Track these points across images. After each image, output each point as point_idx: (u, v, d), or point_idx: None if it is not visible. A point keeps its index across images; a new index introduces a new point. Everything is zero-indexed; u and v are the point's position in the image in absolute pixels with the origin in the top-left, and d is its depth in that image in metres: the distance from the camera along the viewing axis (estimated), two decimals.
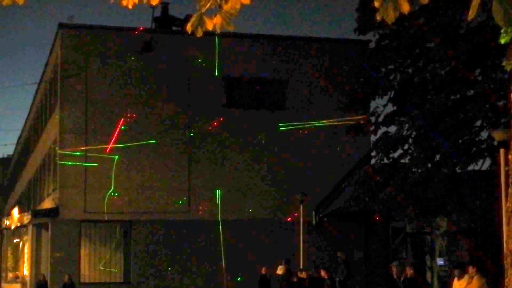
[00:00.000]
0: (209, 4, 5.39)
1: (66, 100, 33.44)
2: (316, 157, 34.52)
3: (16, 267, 50.76)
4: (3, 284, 49.59)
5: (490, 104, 25.27)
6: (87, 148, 33.03)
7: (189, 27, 5.51)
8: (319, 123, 34.63)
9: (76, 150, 32.97)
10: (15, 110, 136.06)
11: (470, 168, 26.84)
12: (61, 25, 34.13)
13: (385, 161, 28.56)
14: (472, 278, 19.02)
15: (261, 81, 35.40)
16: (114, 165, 33.17)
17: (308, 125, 34.64)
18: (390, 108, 28.84)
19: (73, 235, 33.09)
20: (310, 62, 35.58)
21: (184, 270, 33.54)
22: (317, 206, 33.48)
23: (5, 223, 44.06)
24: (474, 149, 26.46)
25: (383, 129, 28.99)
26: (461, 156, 26.20)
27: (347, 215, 32.25)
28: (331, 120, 34.68)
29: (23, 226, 40.04)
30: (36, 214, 35.52)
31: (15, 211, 41.98)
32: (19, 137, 59.64)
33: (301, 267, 28.96)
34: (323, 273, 26.42)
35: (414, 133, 27.90)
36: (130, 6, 5.93)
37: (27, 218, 36.89)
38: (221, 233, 33.30)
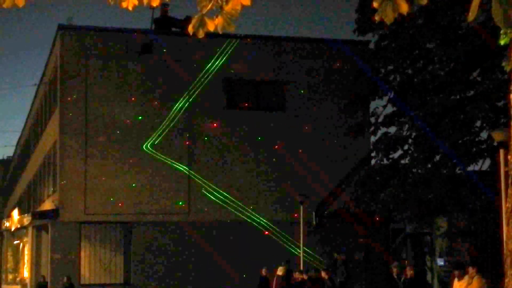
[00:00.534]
0: (210, 5, 5.40)
1: (66, 102, 33.43)
2: (316, 158, 34.51)
3: (16, 268, 50.73)
4: (3, 286, 49.55)
5: (489, 105, 25.30)
6: (87, 149, 33.03)
7: (190, 29, 5.52)
8: (319, 124, 34.68)
9: (76, 152, 32.97)
10: (15, 112, 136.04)
11: (470, 168, 26.87)
12: (60, 27, 34.13)
13: (385, 161, 28.59)
14: (472, 278, 19.02)
15: (261, 82, 35.39)
16: (115, 167, 33.21)
17: (308, 126, 34.68)
18: (390, 108, 28.89)
19: (73, 236, 33.08)
20: (310, 63, 35.57)
21: (184, 271, 33.52)
22: (317, 207, 33.48)
23: (5, 225, 44.01)
24: (474, 149, 26.48)
25: (383, 129, 29.04)
26: (461, 156, 26.22)
27: (347, 216, 32.26)
28: (331, 121, 34.71)
29: (23, 227, 39.97)
30: (36, 215, 35.48)
31: (15, 213, 41.94)
32: (19, 139, 59.65)
33: (301, 268, 28.95)
34: (323, 273, 26.40)
35: (414, 133, 27.93)
36: (130, 8, 5.94)
37: (27, 219, 36.87)
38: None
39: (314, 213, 33.33)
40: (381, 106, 29.50)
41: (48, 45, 37.09)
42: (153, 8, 33.22)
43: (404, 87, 27.93)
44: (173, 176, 33.82)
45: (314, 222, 33.46)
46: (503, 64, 9.29)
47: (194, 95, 34.28)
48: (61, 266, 32.48)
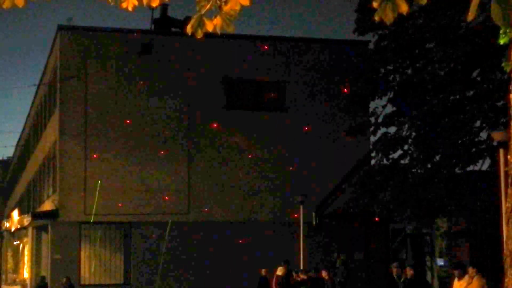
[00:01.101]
0: (209, 6, 5.40)
1: (65, 102, 33.43)
2: (316, 158, 34.52)
3: (16, 269, 50.74)
4: (4, 286, 49.56)
5: (489, 105, 25.29)
6: (86, 150, 33.04)
7: (189, 29, 5.52)
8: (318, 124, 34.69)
9: (76, 152, 32.98)
10: (15, 112, 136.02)
11: (470, 168, 26.87)
12: (60, 27, 34.12)
13: (385, 162, 28.58)
14: (472, 278, 19.01)
15: (261, 82, 35.38)
16: (114, 167, 33.22)
17: (308, 126, 34.71)
18: (389, 108, 28.88)
19: (73, 237, 33.08)
20: (310, 63, 35.57)
21: (185, 271, 33.52)
22: (317, 207, 33.48)
23: (5, 225, 44.03)
24: (474, 149, 26.48)
25: (382, 129, 29.03)
26: (460, 156, 26.21)
27: (347, 216, 32.25)
28: (331, 121, 34.73)
29: (23, 228, 39.98)
30: (36, 216, 35.48)
31: (15, 213, 41.95)
32: (19, 139, 59.64)
33: (301, 268, 28.95)
34: (323, 273, 26.41)
35: (413, 133, 27.92)
36: (130, 8, 5.94)
37: (27, 220, 36.86)
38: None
39: (314, 213, 33.33)
40: (380, 106, 29.51)
41: (48, 45, 37.11)
42: (152, 9, 33.22)
43: (404, 87, 27.93)
44: (173, 177, 33.81)
45: (314, 222, 33.46)
46: (503, 64, 9.28)
47: (194, 95, 34.27)
48: (61, 267, 32.47)
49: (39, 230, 38.37)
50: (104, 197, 32.91)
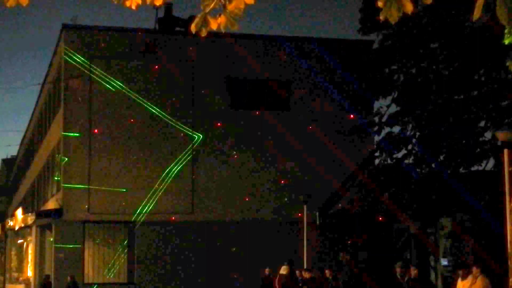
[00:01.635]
0: (213, 4, 5.39)
1: (69, 101, 33.46)
2: (320, 157, 34.49)
3: (20, 268, 50.76)
4: (7, 285, 49.60)
5: (493, 105, 25.26)
6: (90, 148, 33.07)
7: (193, 28, 5.51)
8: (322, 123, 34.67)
9: (80, 151, 33.00)
10: (19, 111, 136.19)
11: (474, 168, 26.83)
12: (64, 26, 34.15)
13: (389, 161, 28.56)
14: (476, 278, 18.99)
15: (265, 82, 35.37)
16: (118, 166, 33.25)
17: (312, 125, 34.70)
18: (393, 108, 28.84)
19: (77, 235, 33.11)
20: (314, 63, 35.56)
21: (188, 271, 33.53)
22: (321, 206, 33.46)
23: (9, 224, 44.06)
24: (478, 149, 26.44)
25: (386, 129, 29.00)
26: (465, 156, 26.19)
27: (351, 215, 32.22)
28: (335, 120, 34.71)
29: (27, 226, 40.02)
30: (40, 214, 35.52)
31: (19, 212, 41.98)
32: (23, 138, 59.71)
33: (304, 267, 28.94)
34: (328, 273, 26.38)
35: (418, 133, 27.90)
36: (133, 7, 5.94)
37: (31, 218, 36.91)
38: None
39: (317, 213, 33.32)
40: (385, 105, 29.47)
41: (52, 44, 37.16)
42: (156, 8, 33.21)
43: (408, 87, 27.89)
44: (176, 176, 33.82)
45: (318, 222, 33.45)
46: (507, 63, 9.27)
47: (198, 94, 34.28)
48: (65, 265, 32.51)
49: (43, 228, 38.38)
50: (108, 196, 32.94)
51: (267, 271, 28.94)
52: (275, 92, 35.56)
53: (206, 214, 33.87)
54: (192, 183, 34.03)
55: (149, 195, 33.41)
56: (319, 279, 26.54)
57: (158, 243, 33.50)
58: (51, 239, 34.63)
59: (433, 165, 27.36)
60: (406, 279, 21.67)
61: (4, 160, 77.56)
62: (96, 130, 33.25)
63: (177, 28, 35.85)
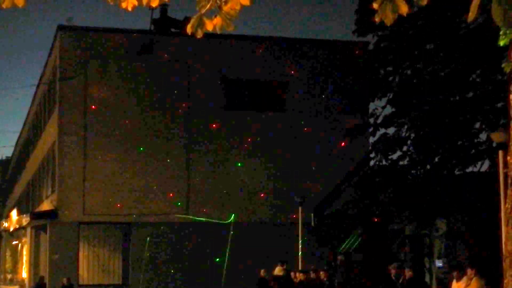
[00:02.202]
0: (209, 5, 5.39)
1: (65, 102, 33.43)
2: (316, 158, 34.52)
3: (15, 269, 50.69)
4: (2, 286, 49.54)
5: (489, 106, 25.27)
6: (86, 150, 33.03)
7: (189, 28, 5.51)
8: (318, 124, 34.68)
9: (75, 152, 32.97)
10: (14, 112, 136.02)
11: (469, 170, 26.84)
12: (60, 27, 34.13)
13: (384, 163, 28.54)
14: (471, 279, 19.02)
15: (261, 82, 35.38)
16: (114, 167, 33.23)
17: (307, 126, 34.71)
18: (389, 109, 28.83)
19: (72, 237, 33.08)
20: (310, 64, 35.58)
21: (183, 272, 33.52)
22: (316, 207, 33.45)
23: (3, 225, 44.03)
24: (473, 151, 26.45)
25: (382, 130, 28.98)
26: (460, 158, 26.19)
27: (346, 217, 32.20)
28: (330, 121, 34.72)
29: (21, 228, 39.99)
30: (35, 216, 35.49)
31: (14, 213, 41.94)
32: (18, 139, 59.63)
33: (299, 268, 28.92)
34: (322, 274, 26.37)
35: (413, 134, 27.89)
36: (129, 8, 5.94)
37: (26, 220, 36.86)
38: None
39: (313, 214, 33.30)
40: (380, 107, 29.46)
41: (48, 45, 37.11)
42: (152, 9, 33.21)
43: (404, 88, 27.89)
44: (172, 177, 33.81)
45: (313, 223, 33.42)
46: (503, 65, 9.27)
47: (193, 95, 34.27)
48: (60, 267, 32.48)
49: (38, 230, 38.35)
50: (103, 197, 32.92)
51: (262, 272, 28.91)
52: (271, 93, 35.57)
53: (201, 215, 33.86)
54: (188, 184, 34.01)
55: (144, 196, 33.38)
56: (313, 280, 26.52)
57: (153, 244, 33.47)
58: (46, 240, 34.57)
59: (428, 167, 27.36)
60: (401, 280, 21.70)
61: None
62: (91, 131, 33.20)
63: (173, 29, 35.86)
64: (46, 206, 36.37)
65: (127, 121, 33.45)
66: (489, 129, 25.02)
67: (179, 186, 33.88)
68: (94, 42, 33.77)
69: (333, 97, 34.94)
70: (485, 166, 26.53)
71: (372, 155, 29.74)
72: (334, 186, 33.41)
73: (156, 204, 33.47)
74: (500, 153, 18.46)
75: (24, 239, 43.50)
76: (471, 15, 4.79)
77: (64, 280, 30.51)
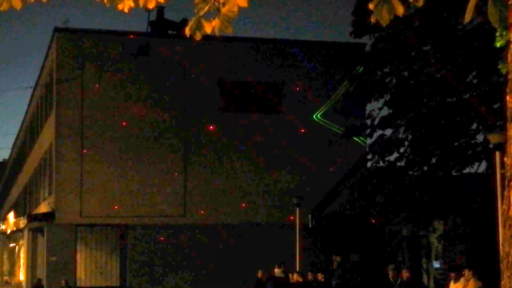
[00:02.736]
0: (207, 7, 5.39)
1: (61, 104, 33.41)
2: (312, 160, 34.52)
3: (12, 271, 50.64)
4: None
5: (486, 107, 25.28)
6: (83, 152, 33.02)
7: (187, 31, 5.51)
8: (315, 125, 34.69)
9: (72, 154, 32.94)
10: (11, 114, 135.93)
11: (466, 171, 26.86)
12: (56, 29, 34.11)
13: (381, 164, 28.55)
14: (468, 281, 19.05)
15: (257, 84, 35.38)
16: (111, 169, 33.21)
17: (304, 128, 34.71)
18: (386, 111, 28.85)
19: (69, 239, 33.05)
20: (306, 65, 35.57)
21: (180, 274, 33.50)
22: (314, 209, 33.46)
23: (1, 228, 43.95)
24: (470, 152, 26.47)
25: (379, 132, 28.99)
26: (457, 159, 26.21)
27: (343, 218, 32.21)
28: (327, 122, 34.72)
29: (19, 230, 39.93)
30: (32, 218, 35.44)
31: (11, 216, 41.89)
32: (15, 141, 59.56)
33: (297, 270, 28.91)
34: (319, 276, 26.39)
35: (410, 136, 27.90)
36: (126, 10, 5.94)
37: (23, 222, 36.81)
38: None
39: (310, 216, 33.31)
40: (377, 108, 29.48)
41: (44, 47, 37.10)
42: (149, 11, 33.21)
43: (401, 89, 27.90)
44: (168, 179, 33.80)
45: (310, 225, 33.43)
46: (499, 66, 9.28)
47: (190, 97, 34.26)
48: (57, 269, 32.45)
49: (35, 232, 38.31)
50: (100, 200, 32.90)
51: (260, 273, 28.90)
52: (267, 95, 35.57)
53: (198, 217, 33.85)
54: (184, 186, 34.01)
55: (141, 199, 33.37)
56: (311, 282, 26.53)
57: (150, 246, 33.45)
58: (43, 243, 34.54)
59: (425, 168, 27.38)
60: (398, 281, 21.71)
61: None
62: (88, 133, 33.18)
63: (170, 31, 35.85)
64: (43, 208, 36.33)
65: (124, 123, 33.44)
66: (486, 130, 25.03)
67: (176, 188, 33.87)
68: (91, 45, 33.76)
69: (329, 98, 34.89)
70: (482, 167, 26.57)
71: (369, 157, 29.74)
72: (331, 187, 33.42)
73: (153, 206, 33.46)
74: (497, 154, 18.48)
75: (21, 242, 43.44)
76: (467, 16, 4.80)
77: (62, 282, 30.51)
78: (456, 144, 26.40)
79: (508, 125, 3.82)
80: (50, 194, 34.86)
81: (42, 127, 39.73)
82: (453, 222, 30.07)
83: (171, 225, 33.48)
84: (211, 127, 34.33)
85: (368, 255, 34.09)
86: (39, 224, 34.95)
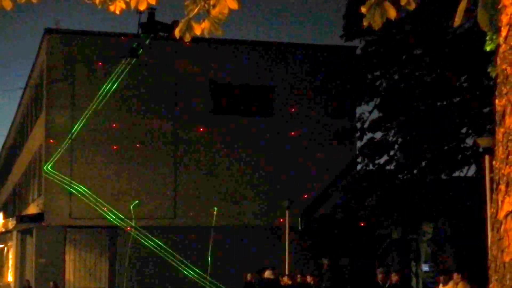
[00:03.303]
0: (197, 9, 5.39)
1: (52, 106, 33.33)
2: (303, 162, 34.54)
3: (0, 272, 50.48)
4: None
5: (475, 111, 25.38)
6: (72, 153, 32.94)
7: (177, 32, 5.51)
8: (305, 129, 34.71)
9: (62, 156, 32.86)
10: (1, 115, 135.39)
11: (456, 174, 26.95)
12: (47, 31, 34.03)
13: (371, 167, 28.62)
14: (457, 284, 19.08)
15: (248, 87, 35.38)
16: (100, 171, 33.14)
17: (295, 131, 34.73)
18: (376, 114, 28.93)
19: (58, 241, 32.95)
20: (297, 68, 35.61)
21: (170, 276, 33.44)
22: (303, 212, 33.47)
23: None
24: (460, 155, 26.55)
25: (369, 135, 29.07)
26: (446, 162, 26.29)
27: (333, 221, 32.25)
28: (318, 126, 34.75)
29: (7, 231, 39.83)
30: (21, 219, 35.35)
31: (0, 217, 41.75)
32: (5, 143, 59.41)
33: (286, 272, 28.89)
34: (309, 278, 26.36)
35: (400, 139, 27.98)
36: (117, 12, 5.93)
37: (11, 223, 36.71)
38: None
39: (300, 218, 33.31)
40: (367, 111, 29.55)
41: (35, 48, 36.99)
42: (140, 12, 33.12)
43: (391, 93, 27.97)
44: (159, 181, 33.75)
45: (300, 227, 33.44)
46: (489, 70, 9.32)
47: (181, 99, 34.23)
48: (46, 270, 32.35)
49: (24, 233, 38.21)
50: (89, 201, 32.82)
51: (249, 276, 28.86)
52: (258, 97, 35.58)
53: (189, 219, 33.81)
54: (175, 188, 33.96)
55: (131, 200, 33.30)
56: (301, 285, 26.50)
57: (140, 248, 33.38)
58: (32, 244, 34.45)
59: (415, 171, 27.45)
60: (387, 284, 21.71)
61: None
62: (78, 135, 33.11)
63: (161, 33, 35.77)
64: (32, 209, 36.23)
65: (114, 125, 33.38)
66: (475, 134, 25.13)
67: (167, 190, 33.82)
68: (82, 46, 33.69)
69: (320, 101, 34.92)
70: (471, 170, 26.66)
71: (359, 160, 29.81)
72: (321, 190, 33.44)
73: (143, 207, 33.39)
74: (487, 158, 18.53)
75: (10, 243, 43.32)
76: (457, 20, 4.80)
77: (51, 284, 30.39)
78: (446, 147, 26.49)
79: (497, 129, 3.84)
80: (39, 195, 34.77)
81: (32, 128, 39.62)
82: (442, 226, 30.15)
83: (161, 226, 33.42)
84: (201, 129, 34.30)
85: (358, 258, 34.12)
86: (28, 225, 34.85)
